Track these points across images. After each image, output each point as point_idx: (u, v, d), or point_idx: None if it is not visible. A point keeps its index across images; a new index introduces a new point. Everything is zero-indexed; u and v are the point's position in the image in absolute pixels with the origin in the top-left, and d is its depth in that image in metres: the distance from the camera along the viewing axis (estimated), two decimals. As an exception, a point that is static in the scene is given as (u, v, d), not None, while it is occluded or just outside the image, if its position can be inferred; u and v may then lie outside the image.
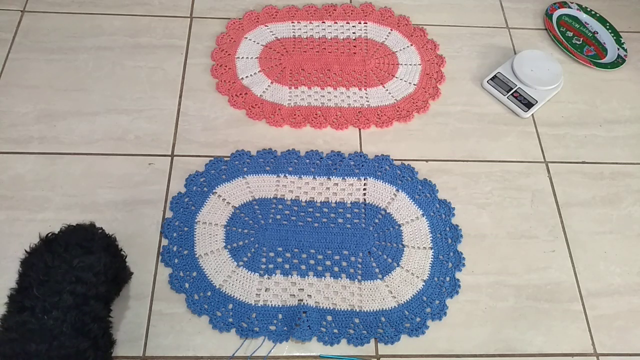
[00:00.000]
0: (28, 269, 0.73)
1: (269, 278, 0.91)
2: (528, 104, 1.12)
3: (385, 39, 1.22)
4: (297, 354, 0.85)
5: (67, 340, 0.66)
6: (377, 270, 0.92)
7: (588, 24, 1.29)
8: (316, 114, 1.09)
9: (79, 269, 0.72)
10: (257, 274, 0.91)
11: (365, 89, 1.14)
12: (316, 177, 1.02)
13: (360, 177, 1.02)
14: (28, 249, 0.75)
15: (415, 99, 1.13)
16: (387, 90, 1.14)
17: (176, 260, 0.91)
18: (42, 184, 0.97)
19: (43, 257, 0.72)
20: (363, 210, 0.98)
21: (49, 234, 0.76)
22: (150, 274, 0.90)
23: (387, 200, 1.00)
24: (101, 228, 0.82)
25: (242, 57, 1.17)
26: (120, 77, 1.12)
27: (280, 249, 0.94)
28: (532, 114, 1.13)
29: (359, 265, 0.93)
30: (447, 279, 0.92)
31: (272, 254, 0.93)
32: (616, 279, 0.95)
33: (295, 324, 0.86)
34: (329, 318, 0.88)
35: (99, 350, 0.71)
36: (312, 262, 0.93)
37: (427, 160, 1.05)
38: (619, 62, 1.22)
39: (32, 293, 0.69)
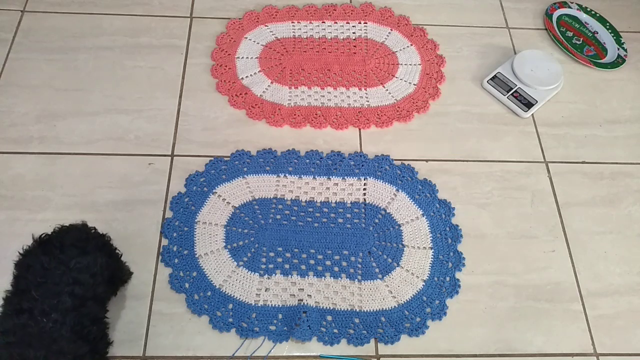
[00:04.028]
0: (24, 270, 0.72)
1: (269, 278, 0.91)
2: (528, 104, 1.12)
3: (385, 39, 1.22)
4: (297, 354, 0.85)
5: (66, 345, 0.65)
6: (377, 270, 0.92)
7: (588, 24, 1.29)
8: (316, 114, 1.09)
9: (76, 270, 0.71)
10: (257, 274, 0.91)
11: (365, 89, 1.14)
12: (316, 177, 1.02)
13: (360, 177, 1.02)
14: (22, 251, 0.74)
15: (415, 99, 1.13)
16: (387, 90, 1.14)
17: (176, 260, 0.91)
18: (42, 184, 0.97)
19: (39, 258, 0.71)
20: (363, 210, 0.98)
21: (43, 235, 0.75)
22: (150, 274, 0.90)
23: (387, 200, 1.00)
24: (94, 228, 0.81)
25: (242, 57, 1.17)
26: (120, 77, 1.12)
27: (280, 248, 0.94)
28: (532, 114, 1.13)
29: (359, 265, 0.93)
30: (447, 279, 0.92)
31: (272, 254, 0.93)
32: (616, 279, 0.95)
33: (295, 324, 0.86)
34: (329, 318, 0.88)
35: (97, 353, 0.70)
36: (312, 262, 0.93)
37: (427, 160, 1.05)
38: (619, 62, 1.21)
39: (30, 295, 0.68)
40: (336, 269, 0.92)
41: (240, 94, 1.11)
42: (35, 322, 0.66)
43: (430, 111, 1.12)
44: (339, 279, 0.91)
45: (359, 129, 1.09)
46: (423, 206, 0.99)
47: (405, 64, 1.18)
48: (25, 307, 0.67)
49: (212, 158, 1.02)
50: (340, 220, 0.97)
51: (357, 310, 0.89)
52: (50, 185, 0.97)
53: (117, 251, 0.83)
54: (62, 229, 0.77)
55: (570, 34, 1.27)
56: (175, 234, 0.94)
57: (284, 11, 1.25)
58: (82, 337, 0.68)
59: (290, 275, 0.91)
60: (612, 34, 1.26)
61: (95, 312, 0.72)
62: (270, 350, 0.85)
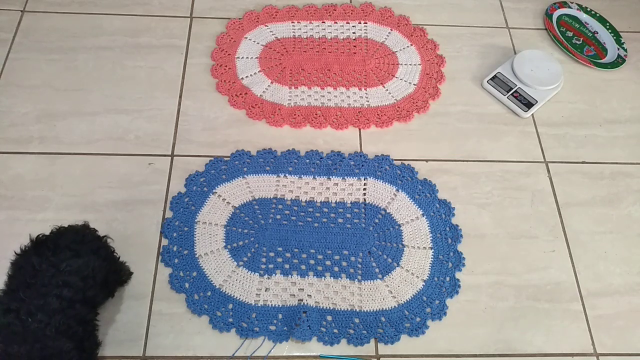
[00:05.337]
0: (16, 271, 0.73)
1: (269, 278, 0.91)
2: (528, 104, 1.12)
3: (385, 39, 1.22)
4: (297, 354, 0.85)
5: (51, 342, 0.66)
6: (377, 270, 0.92)
7: (588, 24, 1.29)
8: (316, 114, 1.09)
9: (66, 272, 0.72)
10: (257, 273, 0.91)
11: (365, 89, 1.14)
12: (316, 177, 1.02)
13: (360, 177, 1.02)
14: (18, 251, 0.75)
15: (415, 98, 1.13)
16: (387, 90, 1.14)
17: (176, 260, 0.91)
18: (42, 184, 0.97)
19: (31, 259, 0.72)
20: (363, 210, 0.98)
21: (39, 236, 0.76)
22: (150, 274, 0.90)
23: (387, 200, 1.00)
24: (94, 229, 0.81)
25: (242, 57, 1.17)
26: (120, 77, 1.12)
27: (280, 248, 0.94)
28: (532, 114, 1.13)
29: (359, 265, 0.93)
30: (447, 279, 0.92)
31: (272, 254, 0.93)
32: (616, 279, 0.95)
33: (295, 324, 0.86)
34: (329, 318, 0.88)
35: (84, 352, 0.71)
36: (312, 262, 0.93)
37: (427, 160, 1.05)
38: (619, 62, 1.22)
39: (18, 295, 0.69)
40: (336, 269, 0.92)
41: (240, 94, 1.11)
42: (20, 322, 0.67)
43: (430, 111, 1.12)
44: (339, 279, 0.91)
45: (359, 129, 1.09)
46: (423, 206, 0.99)
47: (405, 64, 1.18)
48: (13, 307, 0.69)
49: (212, 158, 1.02)
50: (340, 220, 0.97)
51: (357, 310, 0.89)
52: (50, 185, 0.97)
53: (114, 254, 0.83)
54: (58, 231, 0.77)
55: (570, 34, 1.27)
56: (175, 234, 0.94)
57: (284, 11, 1.25)
58: (68, 336, 0.69)
59: (290, 275, 0.91)
60: (612, 34, 1.26)
61: (82, 314, 0.72)
62: (270, 350, 0.85)
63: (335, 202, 0.99)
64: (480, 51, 1.22)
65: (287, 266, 0.92)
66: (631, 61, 1.23)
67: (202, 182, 0.99)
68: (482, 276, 0.93)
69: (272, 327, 0.86)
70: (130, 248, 0.90)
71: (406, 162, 1.04)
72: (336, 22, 1.24)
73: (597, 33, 1.27)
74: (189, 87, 1.12)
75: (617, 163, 1.08)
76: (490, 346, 0.87)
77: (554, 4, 1.30)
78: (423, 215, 0.98)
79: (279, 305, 0.89)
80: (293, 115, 1.09)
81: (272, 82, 1.13)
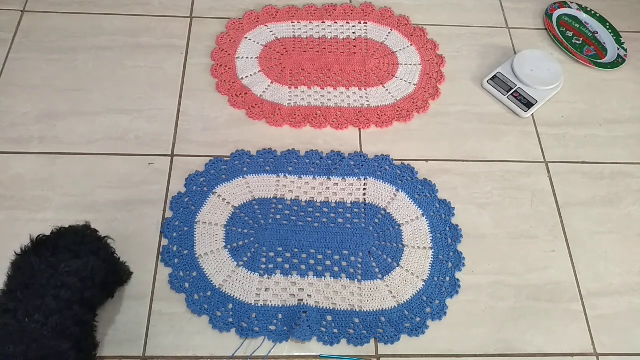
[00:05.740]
0: (15, 271, 0.73)
1: (269, 278, 0.91)
2: (528, 104, 1.12)
3: (385, 39, 1.22)
4: (297, 354, 0.85)
5: (47, 343, 0.66)
6: (377, 270, 0.92)
7: (588, 24, 1.29)
8: (316, 114, 1.09)
9: (65, 273, 0.72)
10: (257, 273, 0.91)
11: (365, 89, 1.14)
12: (316, 177, 1.02)
13: (360, 177, 1.02)
14: (18, 251, 0.75)
15: (415, 98, 1.13)
16: (387, 90, 1.14)
17: (176, 260, 0.91)
18: (42, 184, 0.97)
19: (30, 260, 0.72)
20: (363, 210, 0.98)
21: (39, 236, 0.76)
22: (150, 274, 0.90)
23: (387, 200, 1.00)
24: (95, 230, 0.81)
25: (242, 57, 1.17)
26: (120, 77, 1.12)
27: (280, 248, 0.94)
28: (532, 114, 1.13)
29: (359, 265, 0.93)
30: (447, 279, 0.92)
31: (272, 254, 0.93)
32: (616, 279, 0.95)
33: (295, 324, 0.86)
34: (329, 318, 0.88)
35: (82, 352, 0.71)
36: (312, 262, 0.93)
37: (427, 160, 1.05)
38: (619, 62, 1.22)
39: (16, 296, 0.69)
40: (336, 269, 0.92)
41: (240, 94, 1.11)
42: (18, 322, 0.67)
43: (430, 111, 1.12)
44: (339, 279, 0.91)
45: (359, 129, 1.09)
46: (423, 206, 0.99)
47: (405, 64, 1.18)
48: (10, 307, 0.69)
49: (212, 158, 1.02)
50: (340, 220, 0.97)
51: (357, 310, 0.89)
52: (50, 185, 0.97)
53: (114, 255, 0.83)
54: (59, 231, 0.77)
55: (570, 34, 1.27)
56: (175, 234, 0.94)
57: (284, 11, 1.25)
58: (65, 337, 0.69)
59: (290, 275, 0.91)
60: (612, 34, 1.26)
61: (80, 315, 0.72)
62: (270, 350, 0.85)
63: (335, 202, 0.99)
64: (480, 51, 1.22)
65: (287, 266, 0.92)
66: (631, 61, 1.23)
67: (202, 182, 0.99)
68: (482, 276, 0.93)
69: (272, 327, 0.86)
70: (130, 248, 0.90)
71: (406, 162, 1.05)
72: (336, 22, 1.24)
73: (597, 33, 1.27)
74: (189, 87, 1.12)
75: (617, 163, 1.08)
76: (490, 346, 0.87)
77: (554, 4, 1.30)
78: (423, 215, 0.98)
79: (279, 305, 0.89)
80: (293, 115, 1.09)
81: (272, 82, 1.13)
